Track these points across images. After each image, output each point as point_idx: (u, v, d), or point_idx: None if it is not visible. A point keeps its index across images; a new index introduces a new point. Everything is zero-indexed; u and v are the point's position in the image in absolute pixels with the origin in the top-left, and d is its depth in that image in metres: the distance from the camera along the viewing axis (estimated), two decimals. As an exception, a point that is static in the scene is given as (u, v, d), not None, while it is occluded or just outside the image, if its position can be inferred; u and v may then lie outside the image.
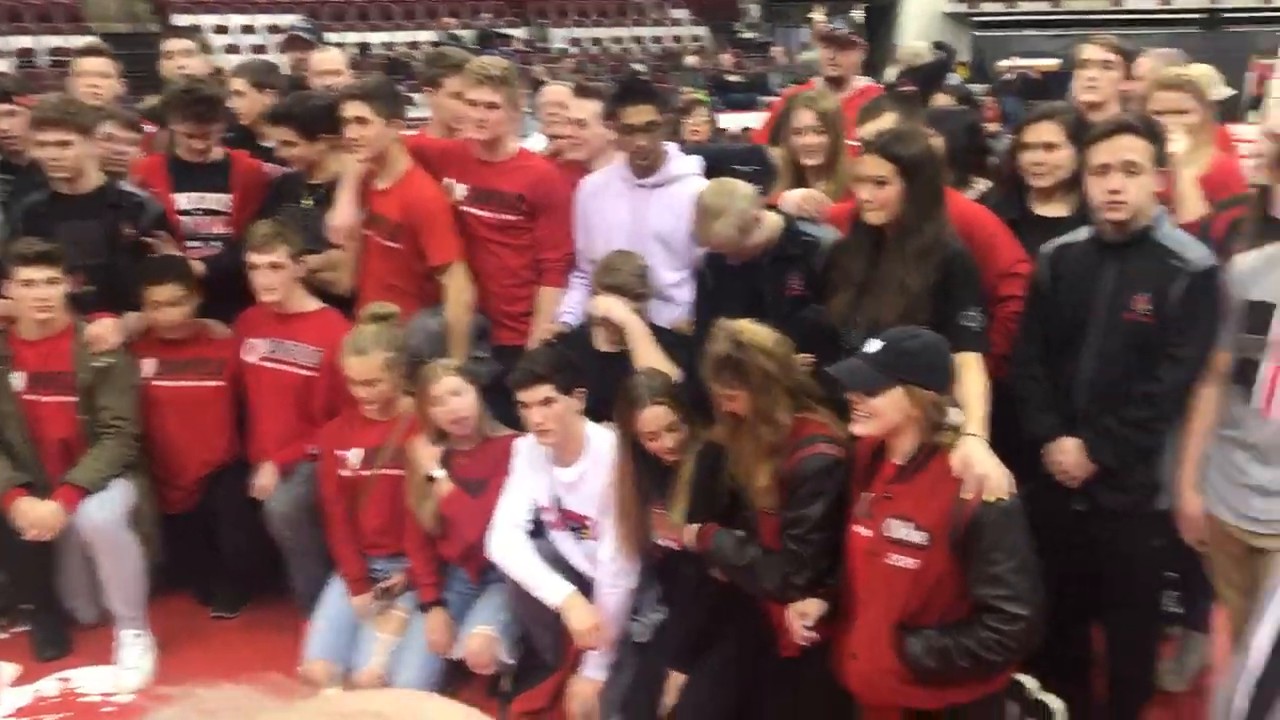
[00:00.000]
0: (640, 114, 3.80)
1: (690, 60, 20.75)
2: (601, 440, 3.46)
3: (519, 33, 23.36)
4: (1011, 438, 2.98)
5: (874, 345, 2.67)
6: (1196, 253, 2.85)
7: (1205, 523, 2.92)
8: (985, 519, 2.54)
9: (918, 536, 2.62)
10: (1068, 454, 2.96)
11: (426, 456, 3.64)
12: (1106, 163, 2.83)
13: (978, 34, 24.62)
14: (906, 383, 2.62)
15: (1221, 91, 4.17)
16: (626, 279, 3.67)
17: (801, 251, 3.47)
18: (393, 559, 3.86)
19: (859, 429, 2.72)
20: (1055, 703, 3.19)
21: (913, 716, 2.78)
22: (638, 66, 21.66)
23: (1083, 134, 3.11)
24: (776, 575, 2.92)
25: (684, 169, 3.96)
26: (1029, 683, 3.23)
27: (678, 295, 3.90)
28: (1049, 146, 3.35)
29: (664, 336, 3.70)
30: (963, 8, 25.28)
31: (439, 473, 3.61)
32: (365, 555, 3.87)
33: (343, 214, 4.10)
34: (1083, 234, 3.02)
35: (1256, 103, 11.22)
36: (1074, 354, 2.97)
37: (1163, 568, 3.20)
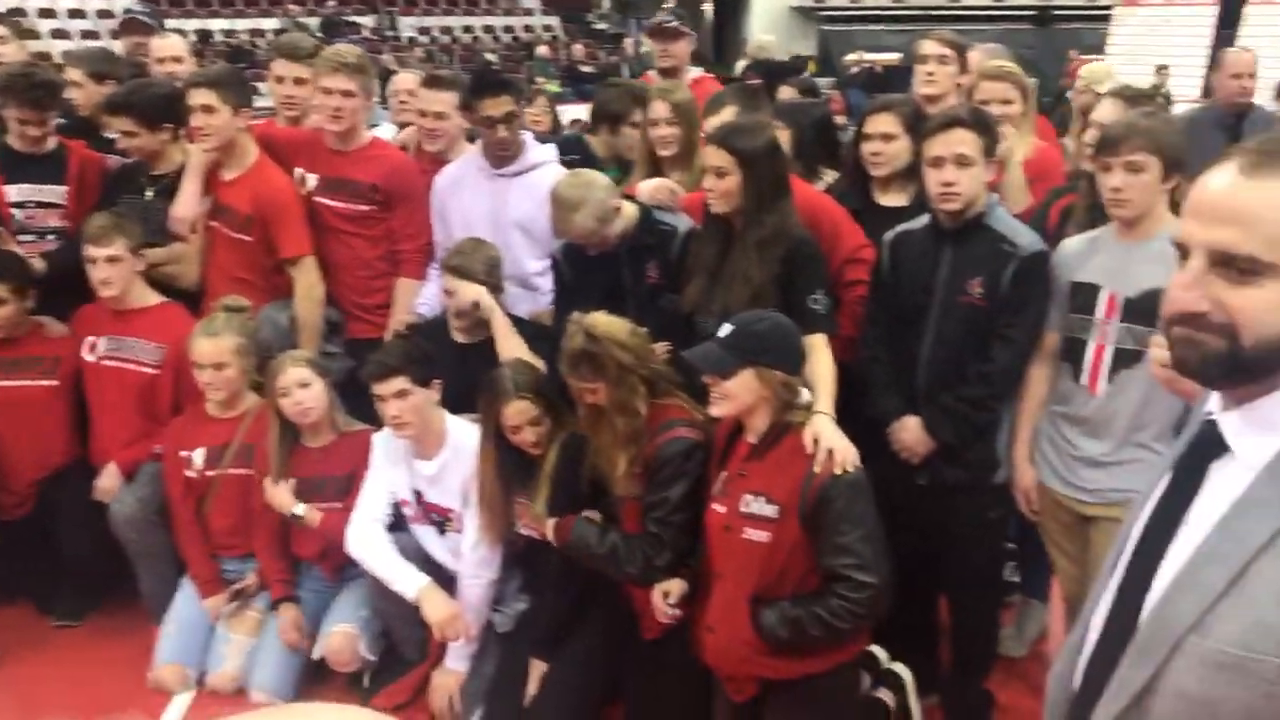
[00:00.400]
0: (499, 105, 3.80)
1: (542, 50, 20.69)
2: (462, 432, 3.45)
3: (366, 20, 22.93)
4: (858, 417, 3.11)
5: (725, 329, 2.75)
6: (1026, 238, 3.01)
7: (1039, 494, 3.08)
8: (832, 491, 2.64)
9: (770, 510, 2.70)
10: (909, 432, 3.09)
11: (282, 497, 3.56)
12: (940, 155, 2.96)
13: (824, 28, 25.23)
14: (756, 364, 2.70)
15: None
16: (473, 264, 3.63)
17: (657, 241, 3.52)
18: (245, 559, 3.78)
19: (714, 410, 2.80)
20: (904, 671, 3.34)
21: (769, 687, 2.85)
22: (489, 56, 21.52)
23: (920, 126, 3.25)
24: (639, 559, 2.97)
25: (541, 157, 3.98)
26: (880, 653, 3.37)
27: (542, 284, 3.92)
28: (887, 137, 3.48)
29: (525, 328, 3.70)
30: (809, 2, 25.87)
31: (300, 509, 3.55)
32: (216, 556, 3.78)
33: (186, 205, 3.97)
34: (921, 222, 3.15)
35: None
36: (915, 336, 3.10)
37: (1001, 538, 3.37)
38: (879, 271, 3.23)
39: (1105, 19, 13.86)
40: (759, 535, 2.73)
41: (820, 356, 3.02)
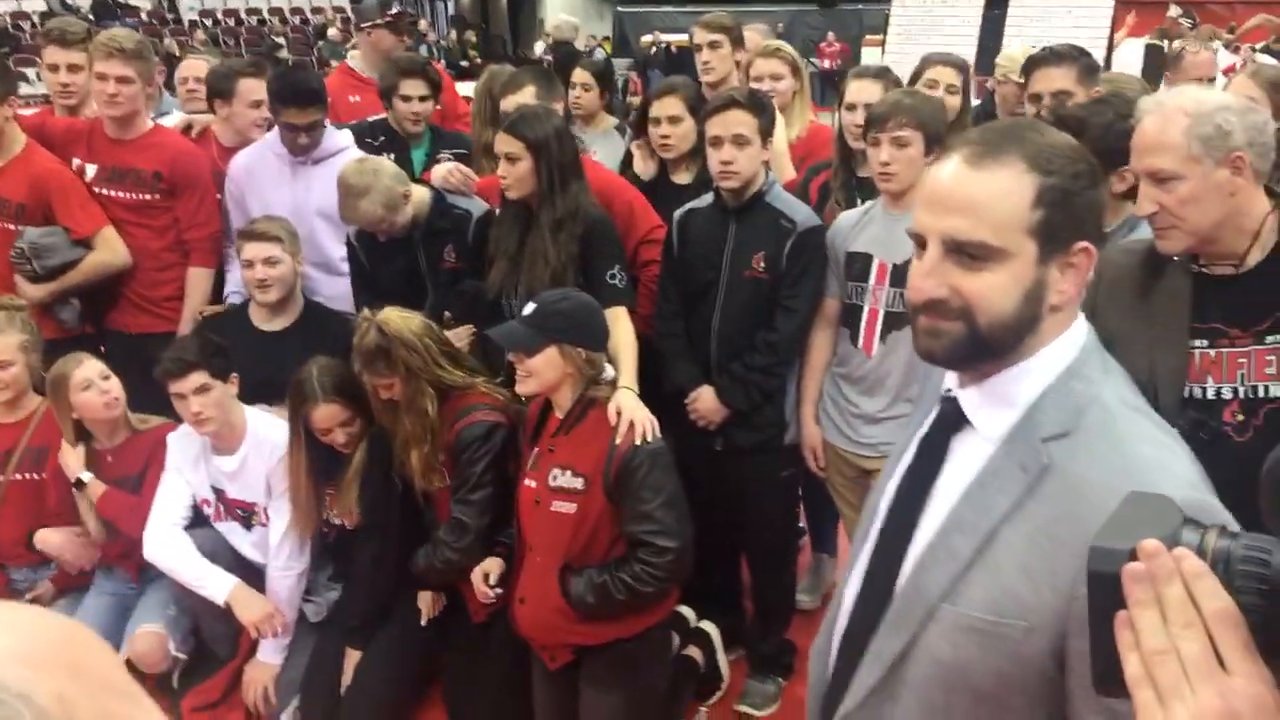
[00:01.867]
0: (306, 115, 3.75)
1: (333, 34, 20.09)
2: (261, 424, 3.41)
3: (143, 2, 21.77)
4: (660, 389, 3.25)
5: (529, 308, 2.82)
6: (802, 214, 3.19)
7: (825, 451, 3.29)
8: (634, 461, 2.75)
9: (576, 483, 2.80)
10: (704, 400, 3.24)
11: (72, 460, 3.44)
12: (719, 135, 3.10)
13: (620, 9, 25.48)
14: (559, 341, 2.79)
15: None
16: (272, 228, 3.60)
17: (452, 224, 3.55)
18: (36, 568, 3.62)
19: (521, 388, 2.87)
20: (711, 628, 3.51)
21: (583, 654, 2.95)
22: (278, 40, 20.75)
23: (702, 106, 3.39)
24: (443, 551, 3.07)
25: (340, 143, 3.95)
26: (688, 613, 3.53)
27: (346, 267, 3.89)
28: (674, 120, 3.62)
29: (328, 315, 3.70)
30: (604, -16, 26.06)
31: (86, 476, 3.42)
32: (2, 567, 3.61)
33: None
34: (707, 199, 3.30)
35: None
36: (706, 309, 3.24)
37: (793, 496, 3.58)
38: (669, 248, 3.36)
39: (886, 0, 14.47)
40: (566, 507, 2.82)
41: (621, 329, 3.12)
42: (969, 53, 12.25)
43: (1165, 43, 11.02)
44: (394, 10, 5.07)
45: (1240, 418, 2.15)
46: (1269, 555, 0.82)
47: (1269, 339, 2.13)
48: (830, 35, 21.10)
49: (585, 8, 25.99)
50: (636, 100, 7.33)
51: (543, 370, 2.79)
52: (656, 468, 2.79)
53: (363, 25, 5.03)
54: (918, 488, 1.42)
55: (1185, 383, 2.18)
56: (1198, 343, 2.18)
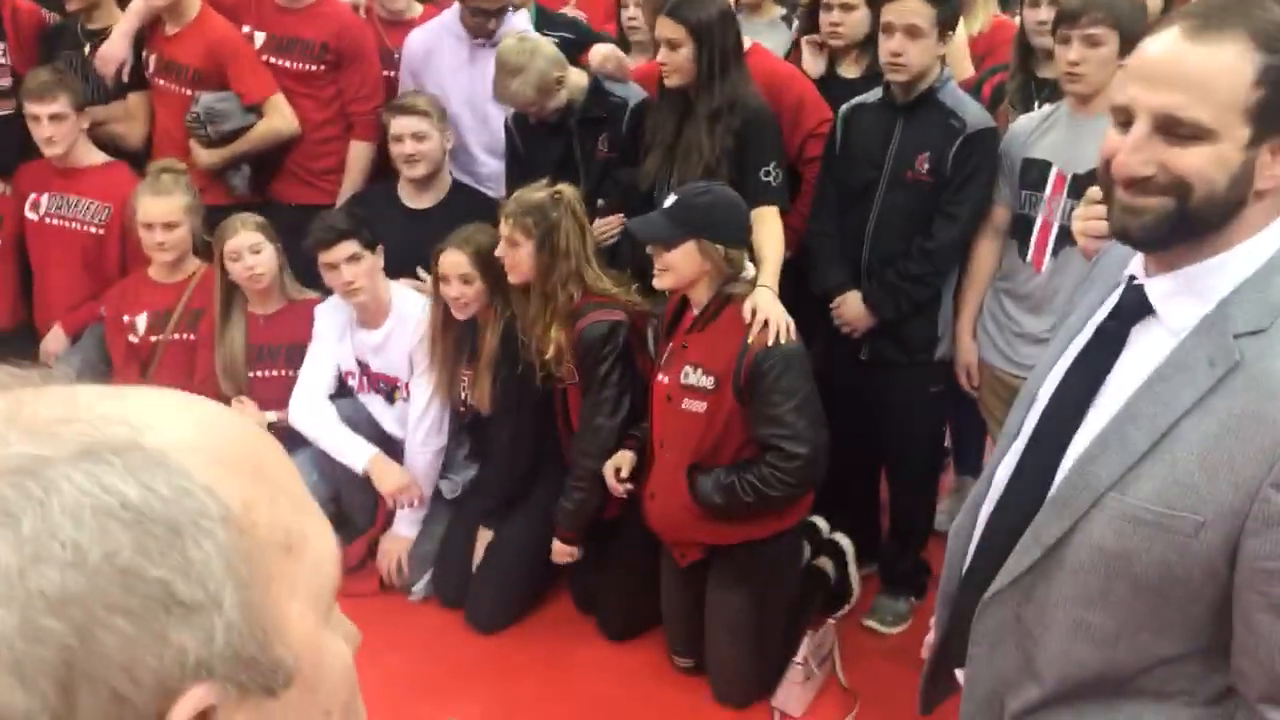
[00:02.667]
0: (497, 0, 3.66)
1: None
2: (406, 300, 3.44)
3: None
4: (807, 293, 3.13)
5: (669, 200, 2.74)
6: (974, 114, 2.97)
7: (980, 370, 3.12)
8: (765, 363, 2.66)
9: (707, 381, 2.74)
10: (850, 307, 3.09)
11: (253, 414, 3.49)
12: (891, 22, 2.90)
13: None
14: (699, 236, 2.70)
15: None
16: (418, 101, 3.58)
17: (607, 113, 3.46)
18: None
19: (658, 282, 2.81)
20: (844, 541, 3.42)
21: (712, 552, 2.91)
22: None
23: None
24: (582, 461, 3.09)
25: (520, 24, 3.86)
26: (821, 524, 3.44)
27: None
28: (846, 7, 3.40)
29: (476, 196, 3.68)
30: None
31: (272, 416, 3.49)
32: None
33: (115, 46, 3.81)
34: (876, 94, 3.11)
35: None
36: (862, 211, 3.08)
37: (940, 414, 3.41)
38: (831, 145, 3.19)
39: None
40: (697, 406, 2.78)
41: (768, 229, 3.01)
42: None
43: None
44: None
45: None
46: None
47: None
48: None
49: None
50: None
51: (680, 265, 2.73)
52: (790, 371, 2.70)
53: None
54: (1090, 377, 1.37)
55: None
56: None
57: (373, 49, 3.95)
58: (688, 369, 2.78)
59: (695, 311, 2.84)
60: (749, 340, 2.68)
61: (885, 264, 3.05)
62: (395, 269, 3.47)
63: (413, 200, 3.67)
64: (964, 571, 1.53)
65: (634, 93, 3.48)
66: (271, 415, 3.49)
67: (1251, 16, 1.22)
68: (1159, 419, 1.26)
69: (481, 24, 3.71)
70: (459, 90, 3.78)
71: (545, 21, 4.15)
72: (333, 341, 3.51)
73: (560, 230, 3.03)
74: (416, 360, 3.44)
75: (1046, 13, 3.09)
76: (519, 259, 3.06)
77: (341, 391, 3.58)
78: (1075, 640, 1.35)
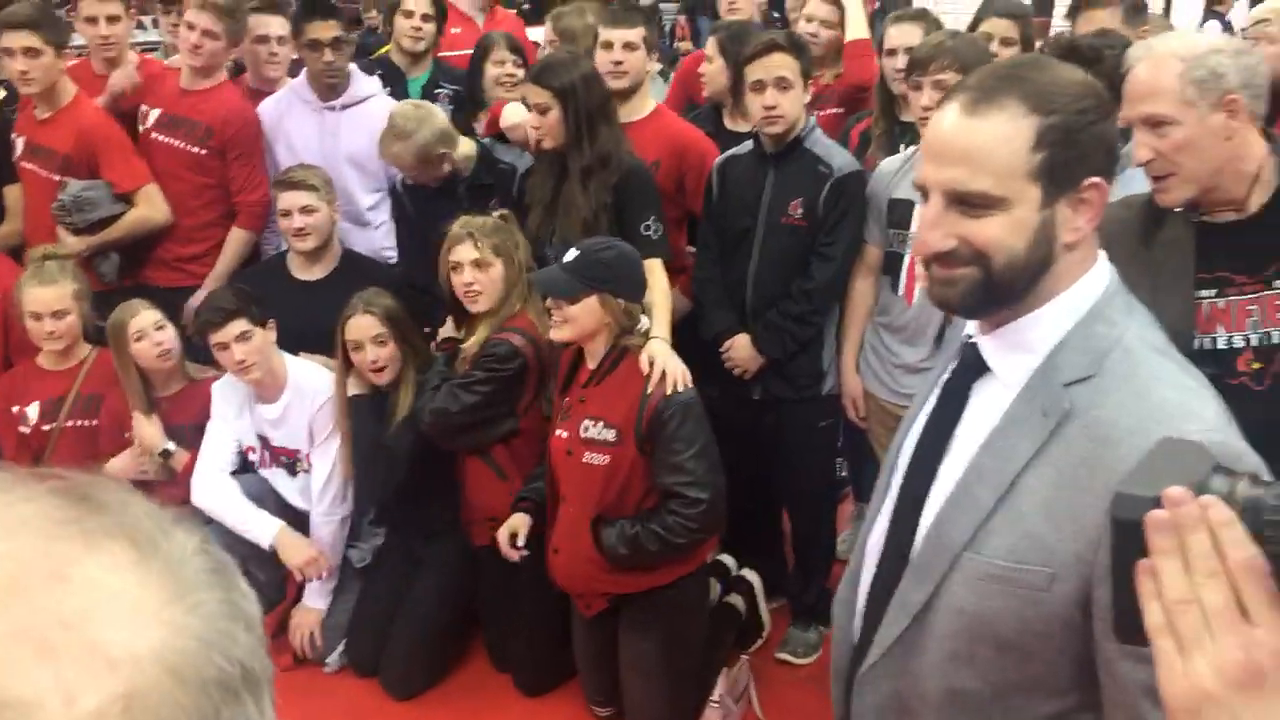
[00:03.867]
0: (327, 29, 3.75)
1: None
2: (302, 371, 3.44)
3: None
4: (697, 339, 3.23)
5: (571, 255, 2.81)
6: (840, 159, 3.12)
7: (866, 400, 3.24)
8: (665, 412, 2.74)
9: (609, 434, 2.81)
10: (739, 348, 3.20)
11: (148, 431, 3.47)
12: (761, 79, 3.04)
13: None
14: (601, 291, 2.77)
15: None
16: (309, 176, 3.58)
17: (496, 180, 3.54)
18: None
19: (556, 335, 2.87)
20: (752, 576, 3.50)
21: (620, 601, 2.96)
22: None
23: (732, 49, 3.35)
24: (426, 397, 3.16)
25: (371, 89, 3.94)
26: (729, 561, 3.53)
27: (374, 218, 3.90)
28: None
29: (367, 266, 3.72)
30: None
31: (170, 446, 3.47)
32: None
33: None
34: (746, 147, 3.24)
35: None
36: (743, 257, 3.20)
37: (831, 447, 3.53)
38: (710, 196, 3.31)
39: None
40: (599, 458, 2.83)
41: (656, 280, 3.09)
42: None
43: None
44: None
45: (1256, 366, 2.10)
46: None
47: (1278, 283, 2.09)
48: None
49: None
50: (684, 46, 7.17)
51: (582, 318, 2.79)
52: (689, 419, 2.78)
53: None
54: (938, 436, 1.40)
55: (1194, 334, 2.12)
56: (1205, 293, 2.13)
57: (259, 140, 3.95)
58: (587, 422, 2.84)
59: (592, 365, 2.90)
60: (648, 391, 2.76)
61: (768, 306, 3.17)
62: (291, 342, 3.47)
63: (303, 272, 3.68)
64: (850, 644, 1.53)
65: (524, 160, 3.56)
66: (170, 444, 3.46)
67: (1024, 82, 1.26)
68: (1002, 473, 1.28)
69: (317, 59, 3.78)
70: (309, 153, 3.83)
71: (444, 75, 4.24)
72: (231, 418, 3.49)
73: (520, 248, 3.17)
74: (316, 430, 3.43)
75: (902, 60, 3.25)
76: (491, 279, 3.13)
77: (244, 467, 3.56)
78: (952, 712, 1.35)
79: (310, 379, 3.41)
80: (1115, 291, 1.33)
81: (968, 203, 1.25)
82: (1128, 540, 0.83)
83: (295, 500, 3.55)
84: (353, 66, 3.97)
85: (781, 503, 3.61)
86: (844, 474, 3.98)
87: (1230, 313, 2.12)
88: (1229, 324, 2.12)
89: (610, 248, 2.85)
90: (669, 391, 2.76)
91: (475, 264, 3.10)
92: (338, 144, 3.83)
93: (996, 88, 1.26)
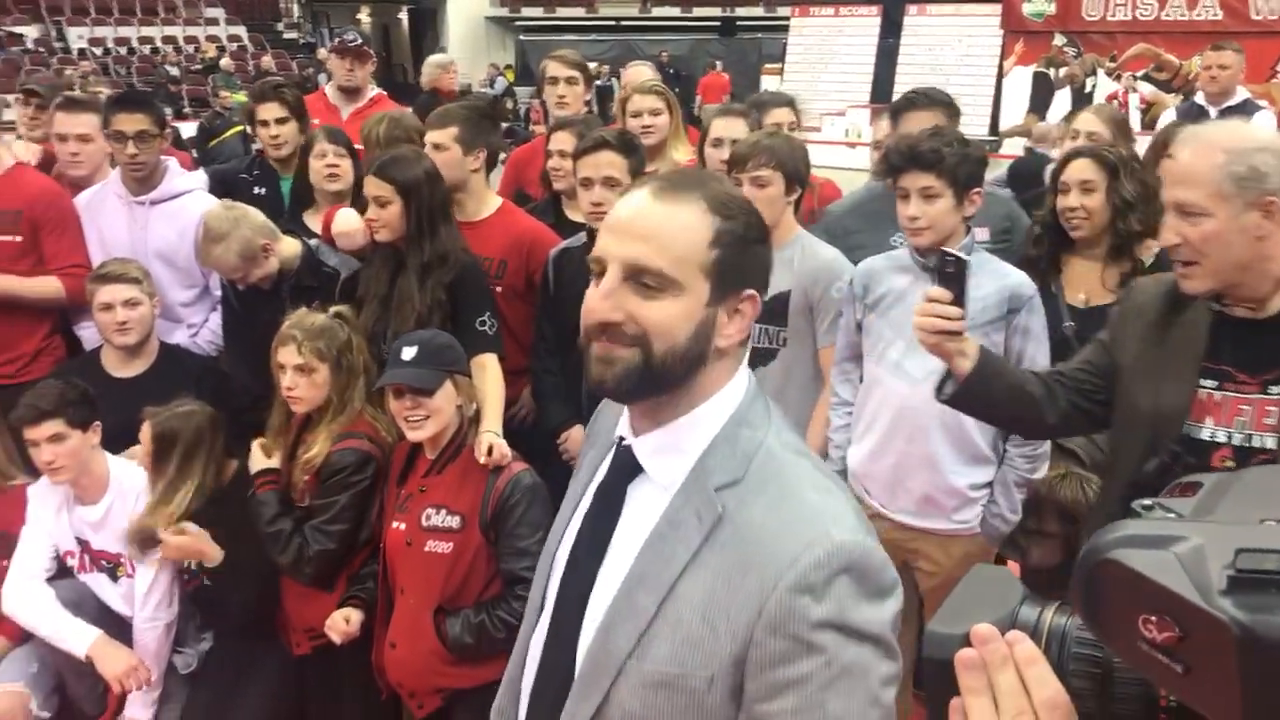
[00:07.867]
0: (133, 122, 3.69)
1: (225, 63, 19.70)
2: (125, 472, 3.32)
3: (30, 30, 21.20)
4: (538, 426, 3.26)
5: (409, 352, 2.79)
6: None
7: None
8: (510, 497, 2.76)
9: (452, 521, 2.80)
10: (574, 440, 3.25)
11: None
12: (589, 177, 3.13)
13: (522, 38, 25.52)
14: (452, 373, 2.81)
15: None
16: (127, 269, 3.49)
17: (319, 283, 3.49)
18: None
19: (419, 434, 2.82)
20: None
21: (453, 699, 2.90)
22: (171, 70, 20.37)
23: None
24: (292, 550, 3.02)
25: (186, 184, 3.89)
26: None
27: (190, 315, 3.82)
28: (563, 155, 3.63)
29: (188, 359, 3.62)
30: (504, 12, 26.05)
31: None
32: None
33: None
34: (580, 239, 3.32)
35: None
36: (578, 349, 3.24)
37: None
38: (546, 288, 3.36)
39: (784, 28, 14.72)
40: (442, 546, 2.81)
41: (489, 375, 3.11)
42: (864, 80, 12.63)
43: (1052, 70, 11.45)
44: (349, 39, 5.07)
45: (1229, 464, 2.07)
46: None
47: (1273, 389, 2.07)
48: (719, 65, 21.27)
49: (488, 36, 25.99)
50: (538, 129, 7.30)
51: (444, 406, 2.80)
52: (535, 503, 2.80)
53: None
54: (595, 540, 1.39)
55: (1185, 420, 2.12)
56: (1206, 383, 2.12)
57: (74, 212, 3.86)
58: (429, 510, 2.82)
59: (431, 455, 2.89)
60: (494, 476, 2.77)
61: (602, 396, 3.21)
62: (110, 441, 3.34)
63: (119, 369, 3.56)
64: None
65: (348, 264, 3.53)
66: None
67: (707, 186, 1.34)
68: (662, 579, 1.28)
69: (121, 150, 3.73)
70: (119, 247, 3.76)
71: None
72: (49, 521, 3.33)
73: (353, 348, 3.08)
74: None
75: (727, 151, 3.39)
76: (315, 384, 3.04)
77: (62, 572, 3.39)
78: None
79: (133, 480, 3.29)
80: (755, 396, 1.38)
81: (643, 280, 1.28)
82: (939, 678, 0.85)
83: (118, 606, 3.39)
84: (171, 161, 3.92)
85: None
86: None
87: (1223, 408, 2.11)
88: (1218, 418, 2.11)
89: (439, 335, 2.90)
90: (512, 475, 2.79)
91: (298, 369, 3.03)
92: (148, 238, 3.75)
93: (684, 184, 1.34)
